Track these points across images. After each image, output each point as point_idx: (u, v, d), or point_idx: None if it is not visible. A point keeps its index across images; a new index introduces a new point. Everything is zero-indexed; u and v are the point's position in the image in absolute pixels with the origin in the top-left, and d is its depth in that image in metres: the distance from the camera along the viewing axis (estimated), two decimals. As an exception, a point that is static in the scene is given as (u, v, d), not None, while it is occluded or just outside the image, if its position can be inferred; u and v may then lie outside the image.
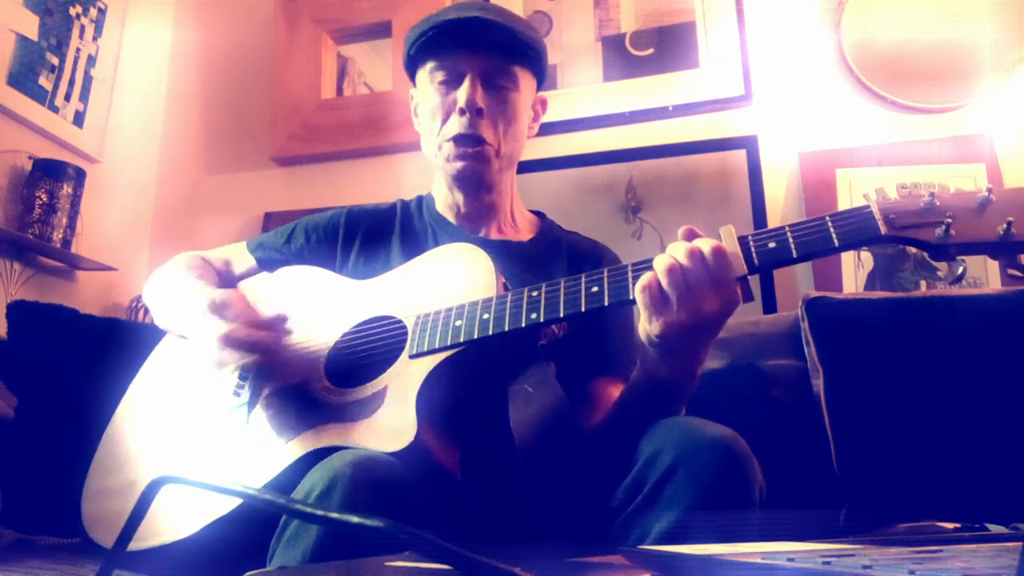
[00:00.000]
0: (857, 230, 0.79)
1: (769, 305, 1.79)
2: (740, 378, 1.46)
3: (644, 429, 0.88)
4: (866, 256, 1.78)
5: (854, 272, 1.77)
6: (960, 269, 0.78)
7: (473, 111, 1.08)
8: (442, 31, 1.09)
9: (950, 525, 1.00)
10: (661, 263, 0.81)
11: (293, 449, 0.93)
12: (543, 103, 1.24)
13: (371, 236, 1.21)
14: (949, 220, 0.76)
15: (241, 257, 1.26)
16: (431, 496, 0.82)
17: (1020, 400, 1.25)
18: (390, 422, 0.89)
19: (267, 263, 1.23)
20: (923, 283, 1.73)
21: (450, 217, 1.21)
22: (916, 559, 0.43)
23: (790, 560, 0.44)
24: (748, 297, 0.82)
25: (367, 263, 1.17)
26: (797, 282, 1.83)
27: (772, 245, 0.81)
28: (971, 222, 0.76)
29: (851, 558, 0.45)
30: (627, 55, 2.07)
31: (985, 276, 1.69)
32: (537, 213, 1.28)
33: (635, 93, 2.03)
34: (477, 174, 1.12)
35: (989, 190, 0.76)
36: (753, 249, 0.82)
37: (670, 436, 0.83)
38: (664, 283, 0.81)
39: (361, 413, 0.92)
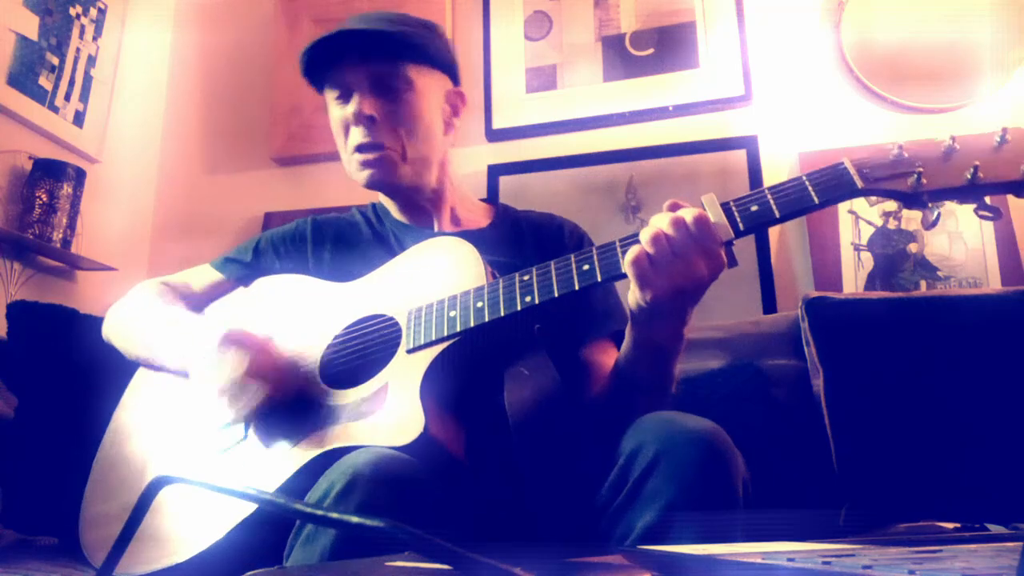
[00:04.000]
0: (835, 186, 0.82)
1: (769, 305, 1.79)
2: (740, 378, 1.46)
3: (644, 393, 0.93)
4: (866, 256, 1.78)
5: (854, 272, 1.77)
6: (934, 215, 0.82)
7: (364, 120, 1.09)
8: (319, 52, 1.10)
9: (950, 525, 1.00)
10: (646, 234, 0.84)
11: (298, 455, 0.92)
12: (460, 96, 1.21)
13: (341, 241, 1.21)
14: (920, 169, 0.81)
15: (203, 277, 1.24)
16: (446, 490, 0.82)
17: (1020, 400, 1.25)
18: (396, 417, 0.88)
19: (240, 280, 1.22)
20: (923, 283, 1.73)
21: (404, 219, 1.21)
22: (916, 559, 0.43)
23: (790, 560, 0.44)
24: (733, 262, 0.85)
25: (341, 268, 1.16)
26: (797, 282, 1.83)
27: (754, 208, 0.85)
28: (940, 169, 0.81)
29: (851, 558, 0.45)
30: (627, 55, 2.07)
31: (985, 276, 1.69)
32: (488, 201, 1.29)
33: (635, 93, 2.03)
34: (385, 180, 1.12)
35: (952, 139, 0.81)
36: (736, 213, 0.85)
37: (651, 430, 0.84)
38: (651, 252, 0.83)
39: (363, 412, 0.92)
